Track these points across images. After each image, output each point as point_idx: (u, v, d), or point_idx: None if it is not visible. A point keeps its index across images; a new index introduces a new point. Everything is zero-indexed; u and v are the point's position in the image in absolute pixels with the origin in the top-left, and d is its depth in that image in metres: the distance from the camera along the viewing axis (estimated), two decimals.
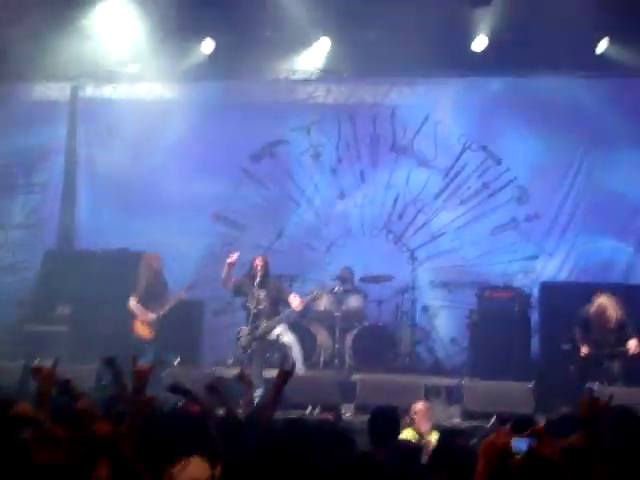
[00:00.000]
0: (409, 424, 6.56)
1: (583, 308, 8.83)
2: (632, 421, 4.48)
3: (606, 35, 10.28)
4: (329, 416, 6.66)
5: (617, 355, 8.67)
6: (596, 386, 8.15)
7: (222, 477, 3.73)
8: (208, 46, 11.03)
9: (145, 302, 9.86)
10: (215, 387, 5.20)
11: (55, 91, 12.00)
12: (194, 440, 4.00)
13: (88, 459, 3.46)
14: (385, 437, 4.70)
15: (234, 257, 9.16)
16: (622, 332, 8.70)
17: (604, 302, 8.65)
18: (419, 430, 6.48)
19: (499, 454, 2.67)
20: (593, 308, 8.69)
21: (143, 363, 4.37)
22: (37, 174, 11.98)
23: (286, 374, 5.02)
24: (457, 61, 10.87)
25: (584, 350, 8.69)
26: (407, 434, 6.30)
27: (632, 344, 8.59)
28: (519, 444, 2.74)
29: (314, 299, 9.62)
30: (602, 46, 10.47)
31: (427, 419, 6.65)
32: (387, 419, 5.04)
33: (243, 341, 9.18)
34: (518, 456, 2.73)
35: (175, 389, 4.95)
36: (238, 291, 9.44)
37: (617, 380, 8.56)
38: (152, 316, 9.80)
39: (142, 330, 9.82)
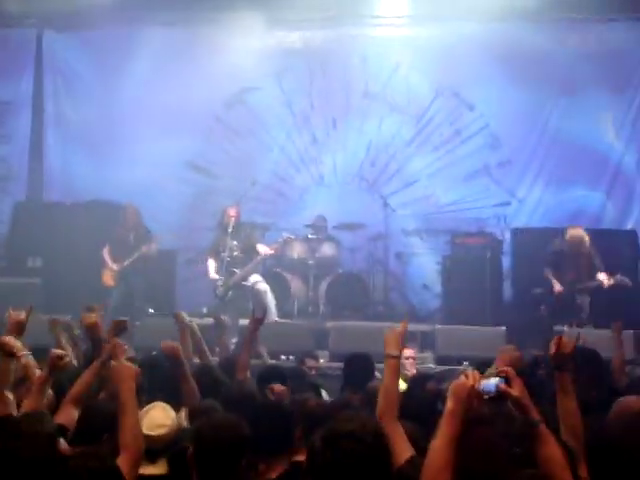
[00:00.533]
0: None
1: (554, 241, 8.94)
2: (594, 360, 4.62)
3: None
4: (313, 362, 6.70)
5: (590, 289, 8.80)
6: (565, 328, 8.29)
7: (189, 422, 3.76)
8: None
9: (116, 252, 9.85)
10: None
11: (19, 38, 11.73)
12: (160, 386, 4.02)
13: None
14: (359, 383, 4.75)
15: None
16: (592, 266, 8.83)
17: (578, 233, 8.79)
18: (407, 375, 6.54)
19: (467, 395, 2.72)
20: (567, 238, 8.81)
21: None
22: (3, 125, 11.75)
23: (257, 321, 5.08)
24: (429, 6, 10.79)
25: (557, 288, 8.83)
26: None
27: (602, 277, 8.72)
28: (488, 385, 2.78)
29: (285, 243, 9.62)
30: None
31: (414, 364, 6.76)
32: (361, 366, 5.09)
33: (220, 290, 9.22)
34: (486, 397, 2.78)
35: None
36: (216, 251, 9.46)
37: (586, 323, 8.72)
38: (115, 266, 9.80)
39: (106, 278, 9.85)
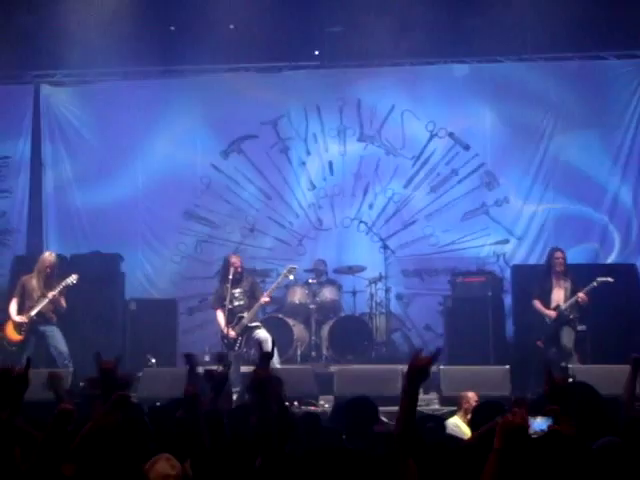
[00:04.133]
0: (462, 413, 6.73)
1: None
2: (591, 395, 4.61)
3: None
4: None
5: (573, 306, 9.02)
6: (570, 366, 8.28)
7: (192, 472, 3.72)
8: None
9: (25, 303, 9.23)
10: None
11: (17, 93, 11.85)
12: (167, 437, 3.97)
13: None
14: (363, 428, 4.70)
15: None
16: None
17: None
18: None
19: (516, 433, 2.69)
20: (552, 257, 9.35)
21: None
22: (3, 179, 11.81)
23: (266, 355, 4.95)
24: (421, 49, 10.94)
25: (551, 314, 9.05)
26: (456, 421, 6.53)
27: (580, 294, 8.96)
28: (538, 424, 2.78)
29: (289, 273, 9.49)
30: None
31: None
32: (362, 409, 5.04)
33: (228, 340, 9.09)
34: (535, 436, 2.76)
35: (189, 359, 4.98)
36: (220, 301, 9.33)
37: (588, 359, 8.76)
38: (22, 318, 9.14)
39: (11, 333, 9.15)
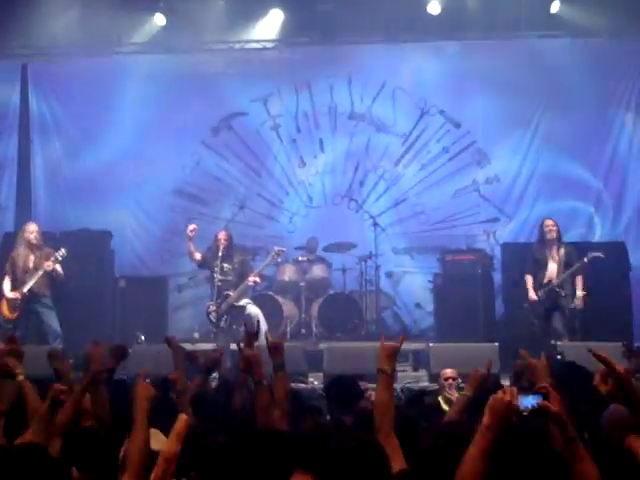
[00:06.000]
0: (440, 391, 6.58)
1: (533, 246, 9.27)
2: (578, 372, 4.65)
3: None
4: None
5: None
6: (559, 343, 8.31)
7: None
8: (160, 18, 10.99)
9: (18, 279, 9.11)
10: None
11: (6, 68, 11.72)
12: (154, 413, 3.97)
13: None
14: (349, 404, 4.73)
15: (192, 228, 9.09)
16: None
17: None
18: (449, 398, 6.32)
19: (505, 410, 2.74)
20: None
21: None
22: None
23: (251, 336, 4.99)
24: (413, 26, 10.88)
25: (532, 296, 8.92)
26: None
27: (579, 296, 8.78)
28: (527, 401, 2.82)
29: (277, 256, 9.45)
30: (556, 6, 10.58)
31: (454, 386, 6.57)
32: (345, 387, 5.06)
33: (214, 316, 9.08)
34: (524, 412, 2.81)
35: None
36: (203, 263, 9.29)
37: (577, 336, 8.74)
38: (15, 294, 9.05)
39: (5, 310, 9.07)
